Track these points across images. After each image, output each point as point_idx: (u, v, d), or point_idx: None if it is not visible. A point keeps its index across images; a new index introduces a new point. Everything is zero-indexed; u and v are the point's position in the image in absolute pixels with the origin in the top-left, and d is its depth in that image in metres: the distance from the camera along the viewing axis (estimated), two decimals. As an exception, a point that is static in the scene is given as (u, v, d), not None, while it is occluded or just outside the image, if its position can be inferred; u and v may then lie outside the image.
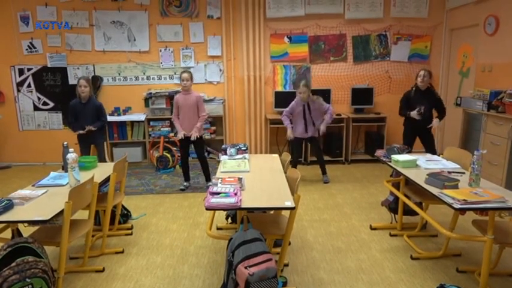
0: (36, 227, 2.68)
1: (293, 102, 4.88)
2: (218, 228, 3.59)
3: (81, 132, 4.38)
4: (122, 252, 3.15)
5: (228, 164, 3.18)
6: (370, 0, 5.92)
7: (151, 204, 4.29)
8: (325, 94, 5.92)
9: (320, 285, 2.64)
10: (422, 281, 2.67)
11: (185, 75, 4.44)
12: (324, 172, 5.04)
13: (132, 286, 2.67)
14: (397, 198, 3.42)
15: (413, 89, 4.46)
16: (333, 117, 4.95)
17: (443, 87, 6.08)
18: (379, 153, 3.45)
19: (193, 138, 4.45)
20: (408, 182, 3.11)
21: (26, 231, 2.61)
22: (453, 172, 2.82)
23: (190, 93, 4.50)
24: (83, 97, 4.35)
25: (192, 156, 5.11)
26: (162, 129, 5.96)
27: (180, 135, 4.50)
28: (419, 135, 4.58)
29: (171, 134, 5.96)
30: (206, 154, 5.17)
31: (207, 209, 2.23)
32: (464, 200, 2.20)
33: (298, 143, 5.01)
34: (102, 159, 4.53)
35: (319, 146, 5.07)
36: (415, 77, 4.47)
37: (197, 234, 3.48)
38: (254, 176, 2.85)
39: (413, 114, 4.39)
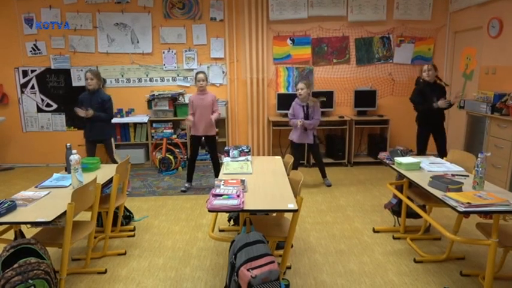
0: (38, 228, 2.70)
1: (293, 103, 4.84)
2: (220, 230, 3.58)
3: (79, 113, 4.30)
4: (124, 254, 3.15)
5: (230, 166, 3.17)
6: (373, 2, 5.92)
7: (154, 206, 4.29)
8: (328, 96, 5.93)
9: (323, 288, 2.63)
10: (425, 285, 2.65)
11: (201, 75, 4.49)
12: (324, 175, 5.02)
13: (134, 288, 2.67)
14: (400, 201, 3.40)
15: (422, 80, 4.50)
16: (314, 127, 4.80)
17: (446, 89, 6.04)
18: (382, 155, 3.43)
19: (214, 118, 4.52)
20: (411, 184, 3.09)
21: (29, 232, 2.61)
22: (457, 175, 2.81)
23: (206, 93, 4.57)
24: (90, 89, 4.42)
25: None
26: (164, 131, 5.97)
27: (188, 122, 4.59)
28: (433, 133, 4.58)
29: (174, 136, 5.97)
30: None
31: (209, 211, 2.23)
32: (468, 203, 2.19)
33: (298, 148, 4.95)
34: (110, 157, 4.56)
35: (318, 152, 5.01)
36: (420, 72, 4.54)
37: (199, 236, 3.47)
38: (257, 178, 2.85)
39: (441, 103, 4.30)
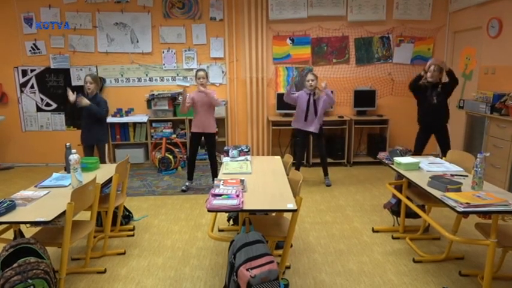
0: (38, 228, 2.69)
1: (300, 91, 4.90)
2: (220, 230, 3.59)
3: (69, 96, 4.23)
4: (124, 253, 3.15)
5: (230, 166, 3.17)
6: (372, 2, 5.92)
7: (153, 205, 4.29)
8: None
9: (322, 287, 2.63)
10: (424, 285, 2.65)
11: (201, 73, 4.50)
12: (325, 173, 5.01)
13: (133, 287, 2.67)
14: (399, 201, 3.41)
15: (425, 80, 4.47)
16: (332, 102, 4.88)
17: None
18: (381, 155, 3.44)
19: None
20: (411, 184, 3.10)
21: (28, 232, 2.61)
22: (456, 175, 2.81)
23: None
24: (89, 93, 4.42)
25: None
26: (164, 130, 5.96)
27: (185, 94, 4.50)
28: (435, 133, 4.53)
29: (173, 136, 5.97)
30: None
31: (209, 211, 2.23)
32: (467, 203, 2.19)
33: (302, 138, 4.95)
34: (102, 161, 4.55)
35: (323, 144, 4.96)
36: (426, 70, 4.40)
37: (199, 236, 3.48)
38: (256, 178, 2.85)
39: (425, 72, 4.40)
